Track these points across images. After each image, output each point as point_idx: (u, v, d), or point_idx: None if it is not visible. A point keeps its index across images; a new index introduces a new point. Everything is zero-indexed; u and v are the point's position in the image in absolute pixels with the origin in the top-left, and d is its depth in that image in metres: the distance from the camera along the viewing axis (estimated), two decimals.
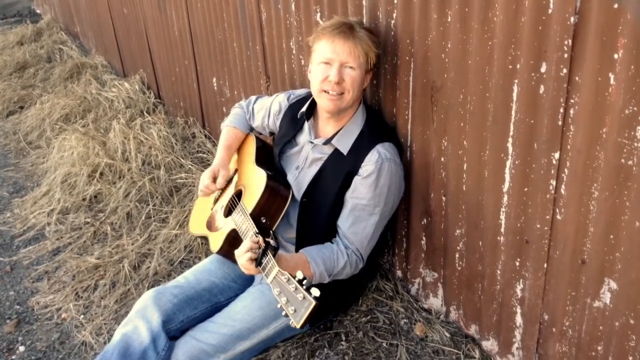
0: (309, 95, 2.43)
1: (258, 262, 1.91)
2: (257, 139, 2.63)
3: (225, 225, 2.35)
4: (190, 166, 3.81)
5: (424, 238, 2.39)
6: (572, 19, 1.54)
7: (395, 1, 2.16)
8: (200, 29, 3.88)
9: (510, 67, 1.76)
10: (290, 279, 1.74)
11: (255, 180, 2.33)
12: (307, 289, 1.68)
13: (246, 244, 1.97)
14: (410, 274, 2.52)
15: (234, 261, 2.33)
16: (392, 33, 2.21)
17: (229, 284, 2.36)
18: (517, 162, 1.83)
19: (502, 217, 1.96)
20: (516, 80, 1.76)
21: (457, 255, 2.24)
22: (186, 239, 3.09)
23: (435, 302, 2.45)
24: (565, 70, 1.60)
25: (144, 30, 4.91)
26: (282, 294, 1.72)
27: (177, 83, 4.59)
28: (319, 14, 2.62)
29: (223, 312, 2.23)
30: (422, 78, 2.12)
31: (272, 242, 1.93)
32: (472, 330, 2.29)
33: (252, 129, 2.70)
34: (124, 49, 5.73)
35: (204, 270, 2.36)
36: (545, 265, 1.85)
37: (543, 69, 1.67)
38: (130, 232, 3.30)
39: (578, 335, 1.81)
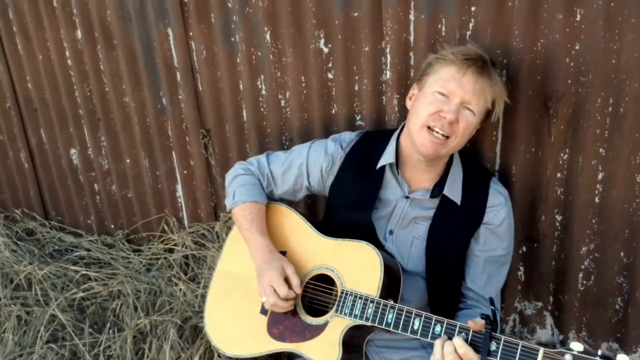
0: (366, 140, 1.94)
1: (485, 351, 1.45)
2: (285, 206, 2.03)
3: (330, 327, 1.75)
4: (84, 272, 2.79)
5: (521, 268, 2.13)
6: None
7: (473, 9, 1.84)
8: (40, 90, 2.89)
9: None
10: (576, 354, 1.36)
11: (357, 257, 1.78)
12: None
13: (457, 341, 1.48)
14: (503, 312, 2.23)
15: None
16: (468, 46, 1.88)
17: None
18: None
19: None
20: None
21: (580, 275, 2.04)
22: None
23: (543, 333, 2.20)
24: None
25: None
26: None
27: None
28: (322, 40, 2.12)
29: None
30: (527, 90, 1.86)
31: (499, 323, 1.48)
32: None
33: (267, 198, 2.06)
34: None
35: None
36: None
37: None
38: None
39: None
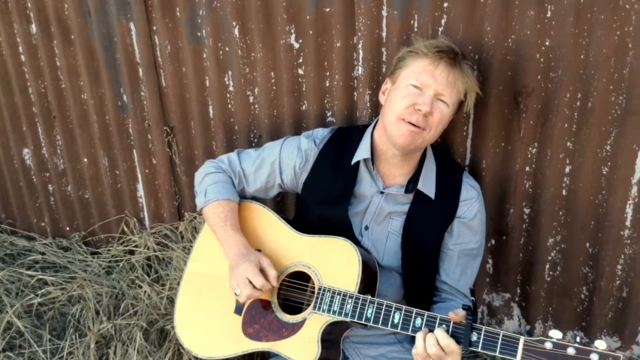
0: (339, 136, 1.94)
1: (467, 342, 1.48)
2: (258, 204, 2.00)
3: (308, 324, 1.73)
4: (40, 277, 2.67)
5: (489, 261, 2.17)
6: None
7: (445, 5, 1.87)
8: None
9: None
10: (556, 342, 1.40)
11: (334, 254, 1.77)
12: (586, 344, 1.37)
13: (439, 333, 1.49)
14: None
15: None
16: (440, 39, 1.90)
17: None
18: None
19: (629, 209, 1.90)
20: None
21: (547, 266, 2.09)
22: None
23: (510, 324, 2.24)
24: None
25: None
26: None
27: None
28: (293, 36, 2.10)
29: None
30: (498, 85, 1.89)
31: (479, 314, 1.50)
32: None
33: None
34: None
35: None
36: None
37: None
38: None
39: None
